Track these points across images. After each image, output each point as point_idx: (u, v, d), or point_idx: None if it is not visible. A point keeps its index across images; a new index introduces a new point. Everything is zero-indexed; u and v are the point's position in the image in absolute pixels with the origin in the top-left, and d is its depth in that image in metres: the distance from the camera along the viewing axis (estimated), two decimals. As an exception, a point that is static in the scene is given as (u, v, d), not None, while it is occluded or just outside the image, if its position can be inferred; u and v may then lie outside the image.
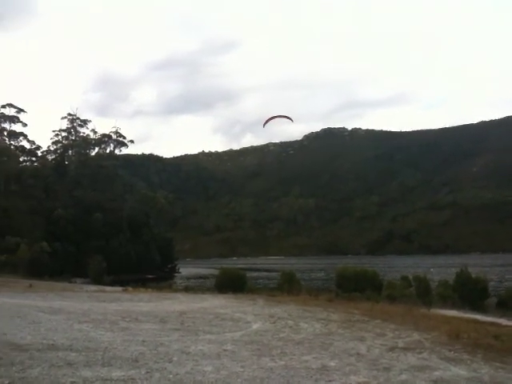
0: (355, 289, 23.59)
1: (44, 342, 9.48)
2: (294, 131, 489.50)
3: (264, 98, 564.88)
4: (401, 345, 10.23)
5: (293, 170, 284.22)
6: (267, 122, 29.61)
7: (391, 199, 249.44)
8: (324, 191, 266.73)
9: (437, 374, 7.69)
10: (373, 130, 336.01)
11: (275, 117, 29.46)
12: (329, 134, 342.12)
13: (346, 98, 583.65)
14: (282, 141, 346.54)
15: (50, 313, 14.63)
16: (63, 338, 9.95)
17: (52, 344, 9.27)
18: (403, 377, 7.44)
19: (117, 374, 7.05)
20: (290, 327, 12.47)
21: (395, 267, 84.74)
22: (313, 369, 7.76)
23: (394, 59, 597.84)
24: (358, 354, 9.15)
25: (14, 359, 7.72)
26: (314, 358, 8.67)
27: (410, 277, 27.63)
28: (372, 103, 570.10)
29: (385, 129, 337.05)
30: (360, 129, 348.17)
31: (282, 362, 8.20)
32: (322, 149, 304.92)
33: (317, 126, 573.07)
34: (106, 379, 6.70)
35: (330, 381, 7.08)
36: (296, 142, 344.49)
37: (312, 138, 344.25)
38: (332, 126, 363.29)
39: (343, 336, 11.23)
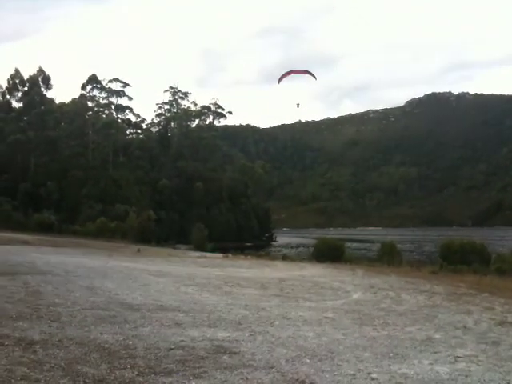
0: (461, 261, 22.47)
1: (154, 302, 10.08)
2: (395, 97, 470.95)
3: (364, 62, 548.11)
4: (510, 319, 9.67)
5: (394, 137, 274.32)
6: (283, 77, 24.80)
7: (500, 168, 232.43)
8: (428, 160, 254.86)
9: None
10: (482, 94, 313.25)
11: (293, 71, 24.89)
12: (433, 99, 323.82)
13: (452, 60, 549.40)
14: (383, 107, 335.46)
15: (158, 276, 15.52)
16: (171, 300, 10.53)
17: (161, 305, 9.83)
18: (514, 352, 7.03)
19: (222, 334, 7.33)
20: (392, 298, 12.20)
21: (505, 239, 79.68)
22: (417, 340, 7.57)
23: (506, 15, 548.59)
24: (464, 327, 8.79)
25: (127, 318, 8.28)
26: (417, 329, 8.45)
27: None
28: (481, 64, 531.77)
29: (495, 92, 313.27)
30: (467, 93, 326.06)
31: (385, 332, 8.07)
32: (425, 115, 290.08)
33: (420, 91, 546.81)
34: (212, 339, 6.99)
35: (435, 352, 6.85)
36: (398, 108, 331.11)
37: (415, 104, 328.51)
38: (437, 90, 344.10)
39: (448, 309, 10.80)
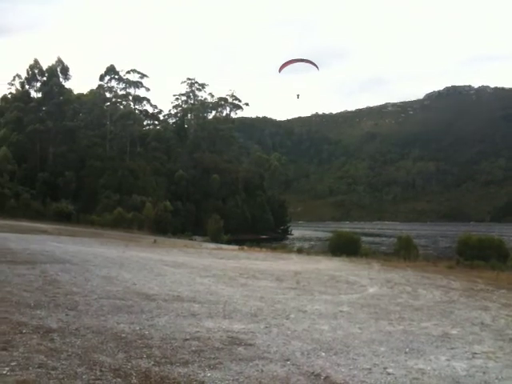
0: (479, 257, 22.19)
1: (170, 293, 10.15)
2: (414, 90, 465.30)
3: (382, 55, 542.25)
4: (529, 317, 9.52)
5: (412, 131, 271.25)
6: (284, 66, 23.76)
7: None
8: (446, 154, 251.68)
9: None
10: (502, 88, 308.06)
11: (295, 60, 23.82)
12: (453, 92, 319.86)
13: (473, 53, 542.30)
14: (402, 100, 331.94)
15: (174, 266, 15.62)
16: (187, 291, 10.59)
17: (177, 295, 9.90)
18: (533, 350, 6.92)
19: (237, 326, 7.35)
20: (408, 293, 12.11)
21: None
22: (433, 335, 7.51)
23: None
24: (481, 323, 8.69)
25: (144, 308, 8.36)
26: (434, 324, 8.38)
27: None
28: (502, 58, 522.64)
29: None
30: (488, 86, 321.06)
31: (401, 327, 8.01)
32: (444, 109, 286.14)
33: (440, 84, 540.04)
34: (228, 331, 7.01)
35: (452, 348, 6.80)
36: (416, 101, 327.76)
37: (434, 98, 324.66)
38: (456, 83, 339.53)
39: (466, 304, 10.69)
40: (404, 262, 22.02)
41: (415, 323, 8.42)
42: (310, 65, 24.27)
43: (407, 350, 6.58)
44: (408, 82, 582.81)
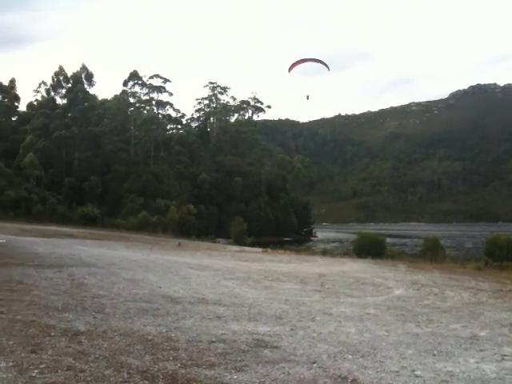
0: (508, 258, 21.72)
1: (195, 295, 10.21)
2: (439, 89, 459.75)
3: (405, 54, 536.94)
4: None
5: (437, 131, 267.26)
6: (294, 66, 22.89)
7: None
8: (472, 153, 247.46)
9: None
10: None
11: (305, 60, 22.98)
12: (478, 91, 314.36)
13: (498, 51, 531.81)
14: (426, 100, 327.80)
15: (199, 269, 15.69)
16: (212, 293, 10.62)
17: (202, 298, 9.94)
18: None
19: (263, 329, 7.33)
20: (436, 295, 11.93)
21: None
22: (462, 337, 7.38)
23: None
24: (511, 325, 8.52)
25: (170, 310, 8.42)
26: (462, 326, 8.25)
27: None
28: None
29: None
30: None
31: (429, 329, 7.89)
32: (470, 107, 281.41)
33: (465, 83, 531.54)
34: (253, 333, 7.00)
35: (481, 350, 6.67)
36: (441, 100, 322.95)
37: (459, 96, 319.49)
38: (482, 82, 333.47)
39: (494, 306, 10.50)
40: (431, 263, 21.72)
41: (443, 325, 8.30)
42: (324, 66, 23.87)
43: (435, 352, 6.48)
44: (432, 81, 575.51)
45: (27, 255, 16.33)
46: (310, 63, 23.43)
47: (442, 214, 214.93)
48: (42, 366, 4.98)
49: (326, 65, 23.71)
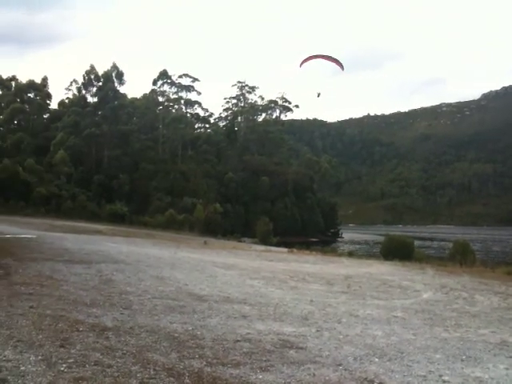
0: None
1: (220, 294, 10.23)
2: (470, 90, 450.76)
3: (436, 54, 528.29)
4: None
5: (468, 132, 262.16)
6: (305, 61, 21.85)
7: None
8: (504, 156, 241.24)
9: None
10: None
11: (317, 56, 21.97)
12: (510, 91, 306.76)
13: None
14: (457, 101, 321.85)
15: (225, 268, 15.73)
16: (237, 292, 10.64)
17: (228, 297, 9.97)
18: None
19: (288, 329, 7.31)
20: (464, 299, 11.71)
21: None
22: (491, 343, 7.24)
23: None
24: (542, 331, 8.28)
25: (195, 308, 8.46)
26: (491, 332, 8.09)
27: None
28: None
29: None
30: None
31: (457, 334, 7.75)
32: (502, 109, 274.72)
33: (497, 84, 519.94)
34: (279, 333, 6.98)
35: (510, 357, 6.53)
36: (473, 101, 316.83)
37: (491, 97, 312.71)
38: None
39: (525, 312, 10.21)
40: (460, 267, 21.30)
41: (472, 330, 8.14)
42: (338, 66, 23.28)
43: (464, 357, 6.36)
44: (464, 81, 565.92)
45: (56, 251, 16.63)
46: (324, 61, 22.67)
47: (471, 217, 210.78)
48: (70, 361, 5.06)
49: (340, 63, 22.35)
